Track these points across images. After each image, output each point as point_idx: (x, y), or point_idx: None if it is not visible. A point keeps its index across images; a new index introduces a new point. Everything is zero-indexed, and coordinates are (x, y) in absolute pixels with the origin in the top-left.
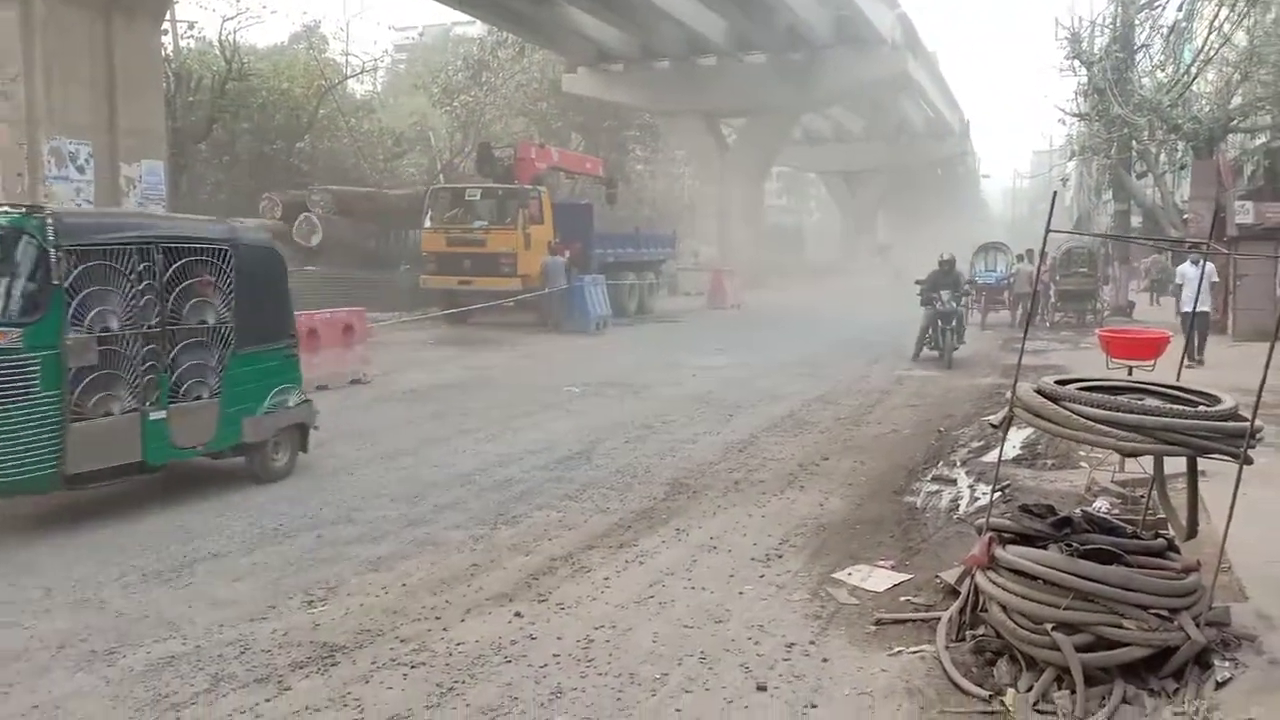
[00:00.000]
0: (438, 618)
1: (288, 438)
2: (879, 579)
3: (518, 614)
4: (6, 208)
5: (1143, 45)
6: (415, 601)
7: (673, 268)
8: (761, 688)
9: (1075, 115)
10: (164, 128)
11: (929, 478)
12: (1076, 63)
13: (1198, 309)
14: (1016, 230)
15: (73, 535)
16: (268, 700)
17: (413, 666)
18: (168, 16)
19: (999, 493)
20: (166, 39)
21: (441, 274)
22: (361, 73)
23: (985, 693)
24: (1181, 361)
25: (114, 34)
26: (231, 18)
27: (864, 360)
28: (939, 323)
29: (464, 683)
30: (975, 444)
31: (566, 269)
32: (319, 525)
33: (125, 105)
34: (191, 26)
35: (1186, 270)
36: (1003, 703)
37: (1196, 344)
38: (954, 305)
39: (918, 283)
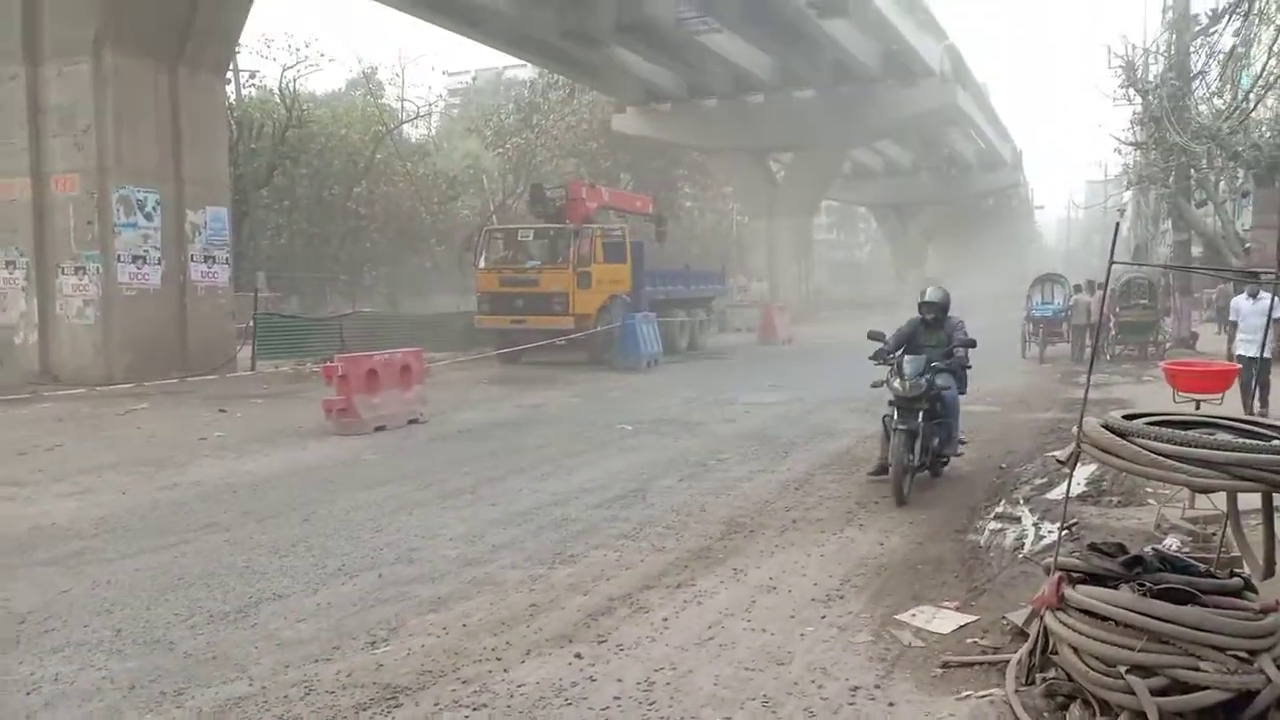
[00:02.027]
0: (498, 658)
1: None
2: (944, 620)
3: (577, 655)
4: None
5: (1199, 72)
6: (476, 642)
7: (723, 304)
8: None
9: (1131, 144)
10: (227, 175)
11: (991, 515)
12: (1131, 91)
13: (1260, 354)
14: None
15: (141, 576)
16: None
17: (475, 709)
18: (230, 66)
19: (1065, 531)
20: (229, 88)
21: (495, 314)
22: (416, 117)
23: None
24: (1248, 407)
25: (179, 85)
26: (291, 66)
27: None
28: (897, 419)
29: None
30: (1038, 480)
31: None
32: (380, 565)
33: (190, 153)
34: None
35: (1240, 305)
36: None
37: (1258, 395)
38: (929, 383)
39: (872, 336)
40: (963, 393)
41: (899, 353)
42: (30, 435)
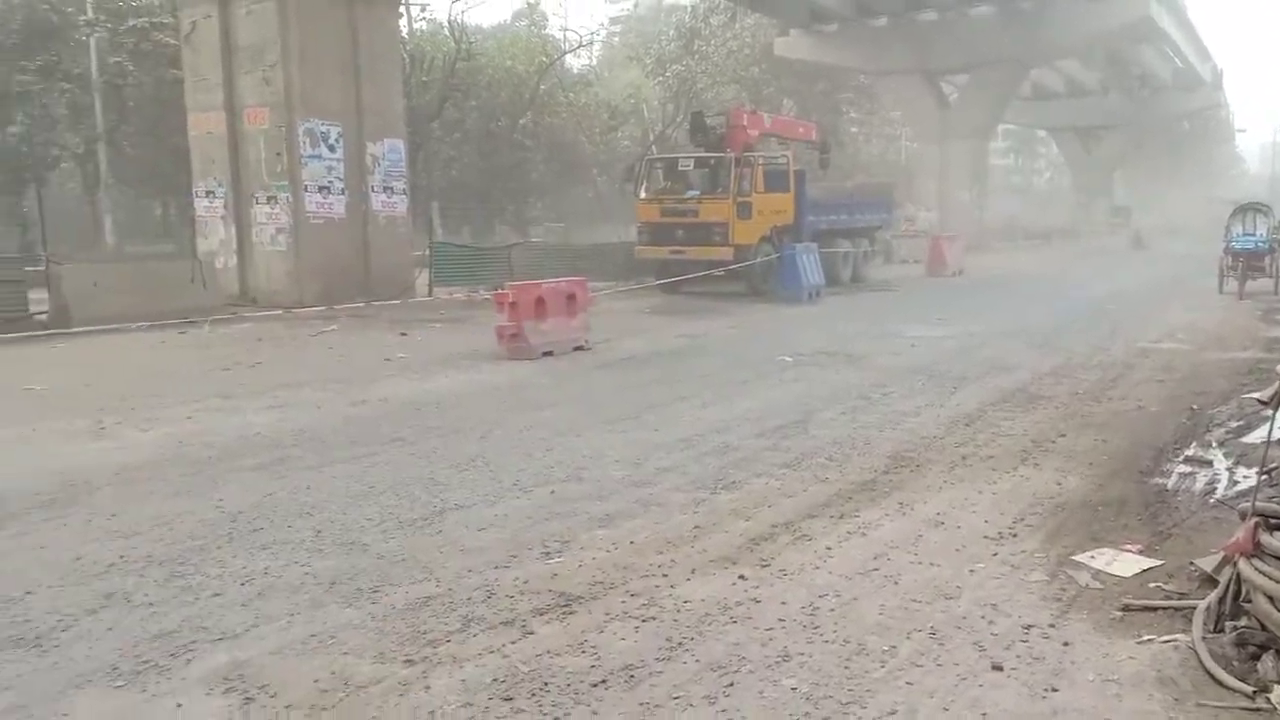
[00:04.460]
0: (664, 575)
1: None
2: (1125, 563)
3: (741, 577)
4: None
5: None
6: (643, 558)
7: (889, 234)
8: (997, 667)
9: None
10: (402, 107)
11: (1180, 458)
12: None
13: None
14: (1277, 190)
15: (337, 483)
16: (513, 642)
17: (643, 620)
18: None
19: (1265, 476)
20: (401, 22)
21: (655, 244)
22: (579, 48)
23: (1249, 688)
24: None
25: (357, 19)
26: None
27: (1102, 331)
28: None
29: (693, 639)
30: (1234, 423)
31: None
32: (551, 482)
33: (368, 87)
34: (423, 9)
35: None
36: (1269, 699)
37: None
38: None
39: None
40: None
41: None
42: (233, 353)
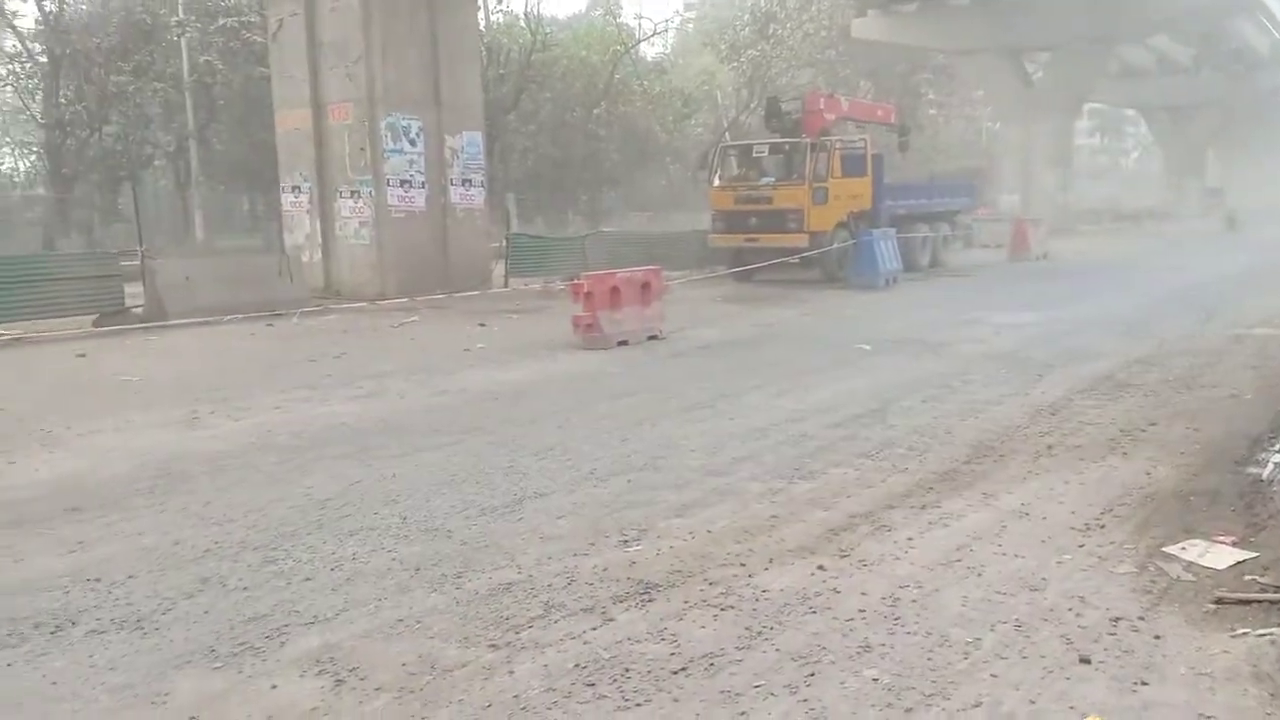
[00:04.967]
0: (742, 564)
1: None
2: (1218, 555)
3: (820, 567)
4: None
5: None
6: (720, 547)
7: (969, 218)
8: (1085, 660)
9: None
10: (481, 100)
11: (1276, 447)
12: None
13: None
14: None
15: (420, 471)
16: (593, 629)
17: (722, 609)
18: None
19: None
20: (479, 15)
21: (729, 233)
22: (653, 35)
23: None
24: None
25: (437, 14)
26: None
27: (1193, 317)
28: None
29: (772, 629)
30: None
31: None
32: (628, 471)
33: (447, 81)
34: (500, 1)
35: None
36: None
37: None
38: None
39: None
40: None
41: None
42: (319, 344)
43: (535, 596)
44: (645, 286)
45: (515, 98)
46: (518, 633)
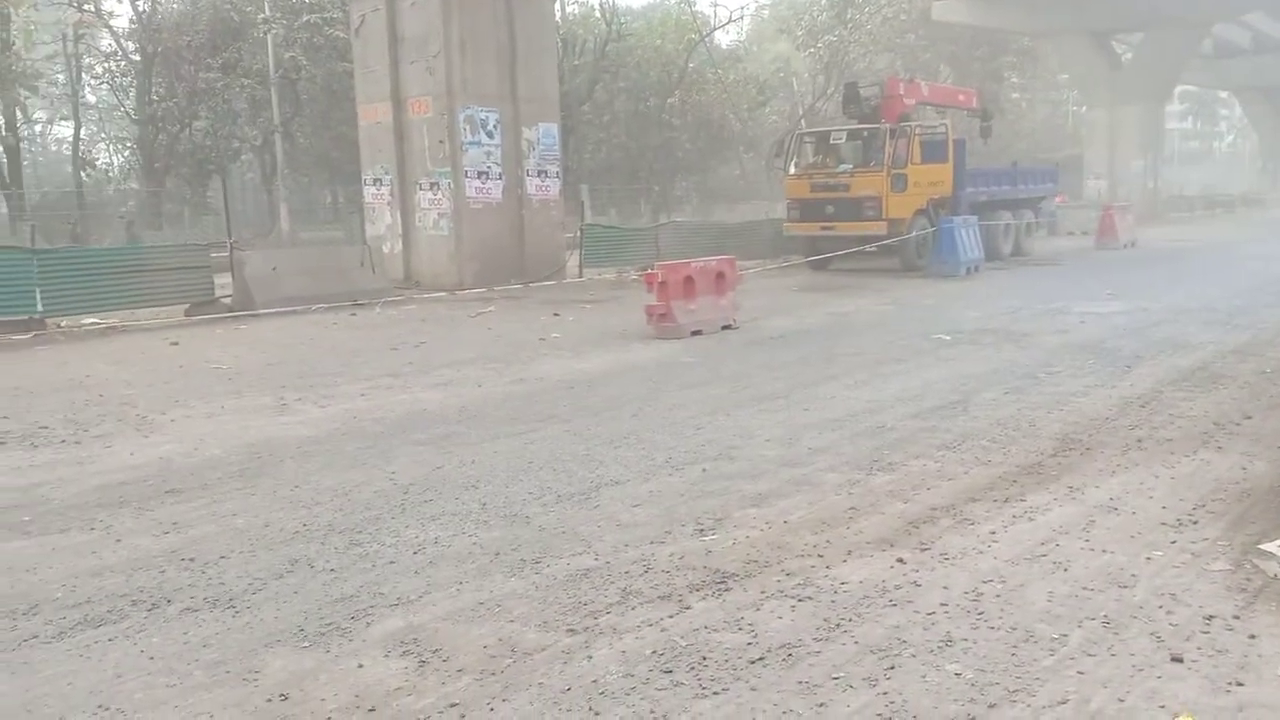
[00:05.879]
0: (820, 555)
1: None
2: None
3: (900, 560)
4: None
5: None
6: (797, 538)
7: (1054, 205)
8: (1177, 659)
9: None
10: (557, 92)
11: None
12: None
13: None
14: None
15: (499, 458)
16: (670, 617)
17: (799, 600)
18: None
19: None
20: (555, 6)
21: (805, 221)
22: (729, 23)
23: None
24: None
25: (514, 7)
26: None
27: None
28: None
29: (851, 620)
30: None
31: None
32: (703, 460)
33: (524, 73)
34: None
35: None
36: None
37: None
38: None
39: None
40: None
41: None
42: (400, 333)
43: (612, 583)
44: (720, 276)
45: (590, 89)
46: (595, 618)
